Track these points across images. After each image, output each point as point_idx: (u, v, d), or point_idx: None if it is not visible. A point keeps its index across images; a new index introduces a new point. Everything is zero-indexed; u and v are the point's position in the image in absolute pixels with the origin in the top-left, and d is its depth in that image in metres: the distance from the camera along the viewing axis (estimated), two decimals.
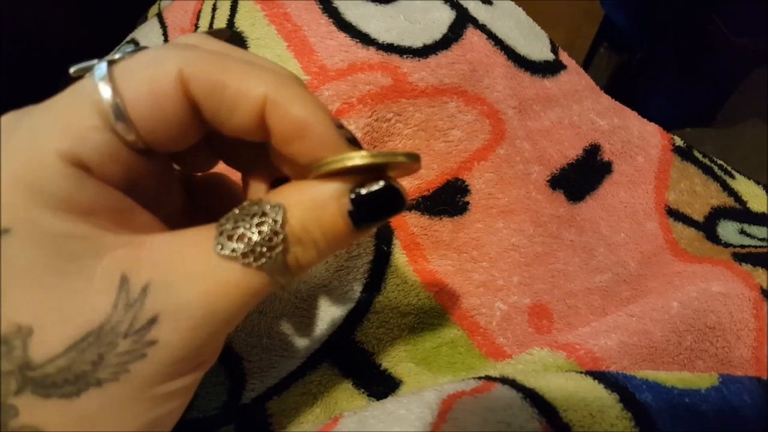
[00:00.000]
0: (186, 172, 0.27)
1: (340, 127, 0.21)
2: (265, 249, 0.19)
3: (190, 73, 0.18)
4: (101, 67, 0.18)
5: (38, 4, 0.52)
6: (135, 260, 0.18)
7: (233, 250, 0.18)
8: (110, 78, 0.18)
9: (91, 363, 0.17)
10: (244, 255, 0.19)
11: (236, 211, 0.20)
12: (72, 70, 0.19)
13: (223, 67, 0.19)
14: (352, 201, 0.20)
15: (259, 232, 0.19)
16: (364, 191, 0.20)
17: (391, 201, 0.21)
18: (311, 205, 0.20)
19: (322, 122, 0.19)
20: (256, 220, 0.19)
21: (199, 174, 0.28)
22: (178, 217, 0.25)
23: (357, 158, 0.19)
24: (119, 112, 0.18)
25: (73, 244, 0.17)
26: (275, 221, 0.19)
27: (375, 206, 0.20)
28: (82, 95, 0.18)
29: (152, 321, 0.18)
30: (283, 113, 0.19)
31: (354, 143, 0.21)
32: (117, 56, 0.19)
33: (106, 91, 0.18)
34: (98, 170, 0.18)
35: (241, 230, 0.19)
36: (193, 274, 0.18)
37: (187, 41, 0.21)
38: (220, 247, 0.19)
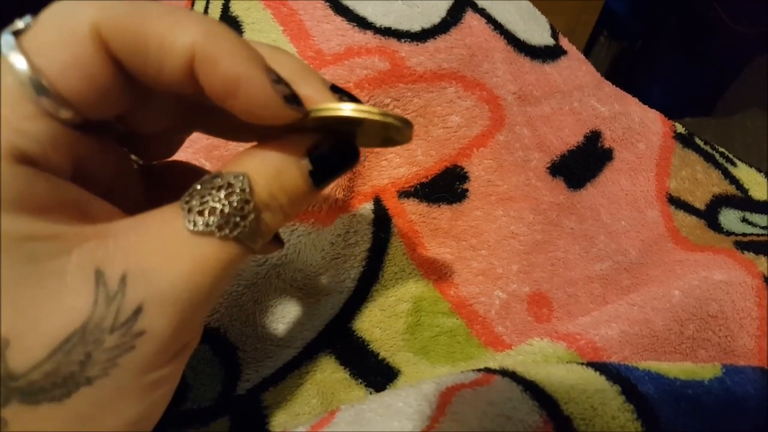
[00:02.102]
0: (145, 160, 0.25)
1: (337, 90, 0.21)
2: (238, 218, 0.19)
3: (107, 27, 0.17)
4: (7, 38, 0.17)
5: None
6: (105, 251, 0.17)
7: (207, 225, 0.18)
8: (20, 48, 0.17)
9: (78, 363, 0.17)
10: (219, 227, 0.18)
11: (198, 186, 0.19)
12: None
13: (142, 18, 0.17)
14: (312, 161, 0.20)
15: (230, 203, 0.18)
16: (321, 151, 0.20)
17: (347, 156, 0.21)
18: (274, 172, 0.20)
19: (255, 78, 0.18)
20: (223, 192, 0.19)
21: (157, 162, 0.26)
22: (137, 208, 0.24)
23: (347, 110, 0.19)
24: (40, 86, 0.17)
25: (36, 245, 0.17)
26: (243, 190, 0.19)
27: (332, 163, 0.21)
28: (6, 80, 0.17)
29: (137, 311, 0.17)
30: (211, 68, 0.18)
31: (344, 95, 0.21)
32: (20, 23, 0.17)
33: (20, 64, 0.16)
34: (44, 161, 0.17)
35: (210, 204, 0.18)
36: (171, 255, 0.18)
37: None
38: (192, 224, 0.18)
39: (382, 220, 0.37)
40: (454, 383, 0.27)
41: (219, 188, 0.19)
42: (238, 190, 0.19)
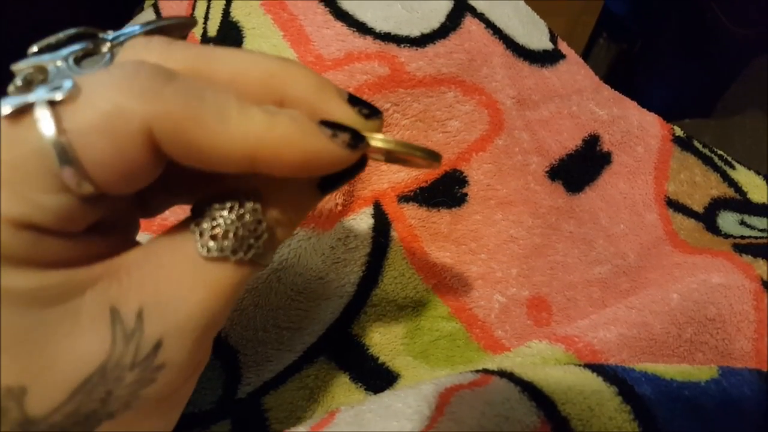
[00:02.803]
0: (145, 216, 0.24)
1: (356, 102, 0.20)
2: (252, 240, 0.18)
3: (160, 130, 0.16)
4: (44, 113, 0.15)
5: None
6: (119, 288, 0.17)
7: (221, 249, 0.18)
8: (58, 128, 0.15)
9: (99, 401, 0.17)
10: (234, 251, 0.18)
11: (206, 207, 0.18)
12: (4, 109, 0.15)
13: (198, 116, 0.16)
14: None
15: (243, 225, 0.18)
16: None
17: (355, 164, 0.20)
18: (285, 187, 0.19)
19: (323, 150, 0.18)
20: (234, 213, 0.18)
21: None
22: (129, 210, 0.23)
23: (376, 140, 0.19)
24: (65, 156, 0.15)
25: (47, 292, 0.16)
26: (255, 210, 0.18)
27: (341, 173, 0.20)
28: (26, 147, 0.15)
29: (157, 346, 0.17)
30: (277, 161, 0.17)
31: (372, 115, 0.20)
32: (58, 95, 0.15)
33: (49, 132, 0.15)
34: (54, 229, 0.17)
35: (222, 226, 0.18)
36: (186, 285, 0.18)
37: (146, 55, 0.18)
38: (205, 250, 0.18)
39: (381, 225, 0.38)
40: (452, 384, 0.27)
41: (230, 209, 0.18)
42: (250, 210, 0.18)
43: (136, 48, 0.18)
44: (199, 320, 0.18)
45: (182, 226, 0.19)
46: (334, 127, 0.18)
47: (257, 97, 0.18)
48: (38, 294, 0.16)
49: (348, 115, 0.19)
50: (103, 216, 0.19)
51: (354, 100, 0.20)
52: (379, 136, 0.19)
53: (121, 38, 0.21)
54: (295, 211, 0.20)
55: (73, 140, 0.15)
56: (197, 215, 0.18)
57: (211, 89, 0.17)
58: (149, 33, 0.21)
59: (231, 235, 0.18)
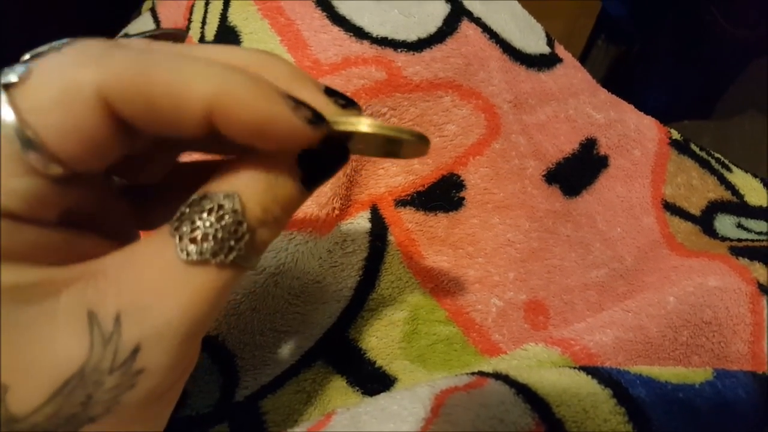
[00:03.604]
0: (131, 182, 0.24)
1: (331, 93, 0.20)
2: (233, 242, 0.18)
3: (113, 91, 0.16)
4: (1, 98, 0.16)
5: None
6: (96, 292, 0.17)
7: (201, 253, 0.17)
8: (11, 102, 0.16)
9: (80, 404, 0.16)
10: (214, 254, 0.17)
11: (186, 210, 0.18)
12: None
13: (151, 76, 0.16)
14: (302, 167, 0.19)
15: (222, 227, 0.18)
16: (311, 155, 0.19)
17: (337, 156, 0.20)
18: (266, 185, 0.19)
19: (279, 115, 0.17)
20: (213, 216, 0.18)
21: None
22: (125, 221, 0.23)
23: (364, 125, 0.19)
24: (28, 141, 0.16)
25: (23, 292, 0.16)
26: (234, 211, 0.18)
27: (323, 166, 0.20)
28: None
29: (135, 351, 0.17)
30: (233, 119, 0.17)
31: (348, 105, 0.20)
32: (12, 76, 0.16)
33: (8, 116, 0.15)
34: (29, 215, 0.17)
35: (201, 229, 0.17)
36: (165, 290, 0.17)
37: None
38: (185, 254, 0.17)
39: (379, 229, 0.38)
40: (448, 386, 0.28)
41: (209, 211, 0.18)
42: (229, 211, 0.18)
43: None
44: (180, 325, 0.17)
45: (164, 230, 0.18)
46: (299, 102, 0.18)
47: None
48: (14, 291, 0.16)
49: (321, 102, 0.19)
50: (80, 204, 0.19)
51: (330, 92, 0.20)
52: (366, 120, 0.19)
53: None
54: (280, 209, 0.19)
55: (31, 120, 0.15)
56: (176, 219, 0.18)
57: (163, 49, 0.17)
58: None
59: (210, 237, 0.17)
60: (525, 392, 0.27)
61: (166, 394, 0.19)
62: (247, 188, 0.18)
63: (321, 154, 0.20)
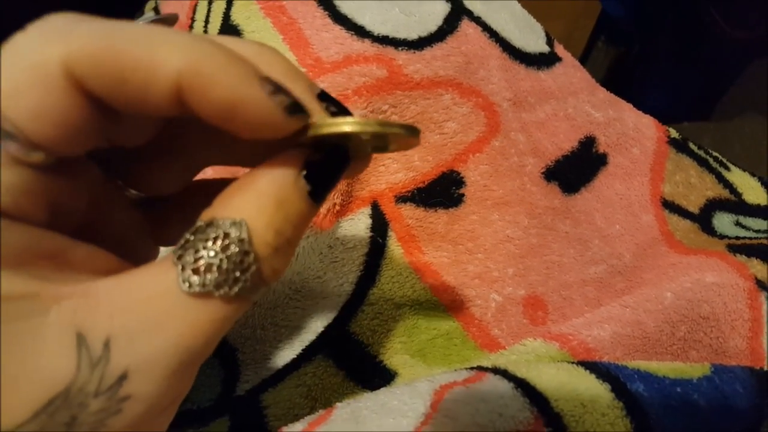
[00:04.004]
0: (145, 193, 0.23)
1: (324, 98, 0.19)
2: (238, 273, 0.16)
3: (80, 64, 0.15)
4: None
5: None
6: (87, 313, 0.16)
7: (203, 284, 0.16)
8: None
9: (64, 425, 0.15)
10: (218, 286, 0.16)
11: (190, 237, 0.17)
12: None
13: (118, 48, 0.15)
14: (308, 180, 0.18)
15: (227, 257, 0.16)
16: (314, 166, 0.18)
17: (340, 162, 0.19)
18: (275, 207, 0.17)
19: (251, 96, 0.16)
20: (219, 244, 0.16)
21: None
22: (130, 240, 0.22)
23: (347, 125, 0.17)
24: (5, 132, 0.15)
25: (11, 305, 0.15)
26: (241, 240, 0.16)
27: (328, 176, 0.19)
28: None
29: (122, 377, 0.16)
30: (202, 95, 0.16)
31: (339, 114, 0.19)
32: None
33: None
34: (15, 210, 0.16)
35: (205, 259, 0.16)
36: (161, 319, 0.16)
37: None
38: (187, 284, 0.16)
39: (379, 225, 0.38)
40: (447, 381, 0.28)
41: (214, 240, 0.16)
42: (235, 240, 0.16)
43: None
44: (174, 356, 0.16)
45: (168, 257, 0.17)
46: (278, 88, 0.17)
47: None
48: (3, 305, 0.15)
49: (307, 100, 0.18)
50: (71, 200, 0.18)
51: (324, 96, 0.19)
52: (352, 119, 0.18)
53: None
54: (292, 228, 0.18)
55: (3, 106, 0.15)
56: (180, 246, 0.17)
57: (134, 24, 0.16)
58: None
59: (215, 268, 0.16)
60: (524, 386, 0.27)
61: (153, 421, 0.18)
62: (257, 211, 0.17)
63: (323, 164, 0.19)
